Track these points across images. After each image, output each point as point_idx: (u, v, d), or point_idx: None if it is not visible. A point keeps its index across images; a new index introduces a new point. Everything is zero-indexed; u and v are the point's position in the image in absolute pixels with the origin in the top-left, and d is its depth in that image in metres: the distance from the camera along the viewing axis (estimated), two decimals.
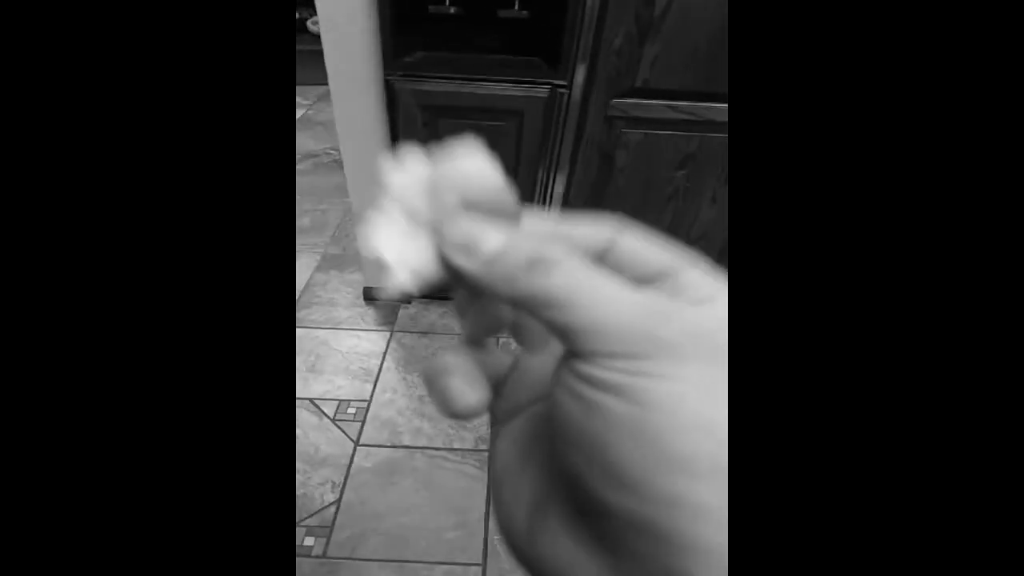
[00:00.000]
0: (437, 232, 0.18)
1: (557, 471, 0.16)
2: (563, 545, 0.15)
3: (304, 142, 2.89)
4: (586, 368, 0.14)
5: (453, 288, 0.19)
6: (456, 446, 1.37)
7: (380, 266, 0.18)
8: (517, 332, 0.20)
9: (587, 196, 1.43)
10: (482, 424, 1.44)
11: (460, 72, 1.24)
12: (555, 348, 0.18)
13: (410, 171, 0.18)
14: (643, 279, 0.16)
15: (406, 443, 1.36)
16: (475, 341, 0.20)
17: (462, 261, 0.17)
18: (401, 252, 0.18)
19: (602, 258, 0.17)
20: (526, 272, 0.15)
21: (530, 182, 1.40)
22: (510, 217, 0.18)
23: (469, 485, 1.30)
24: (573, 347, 0.14)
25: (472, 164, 0.18)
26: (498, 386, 0.20)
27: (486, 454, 1.38)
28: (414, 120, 1.35)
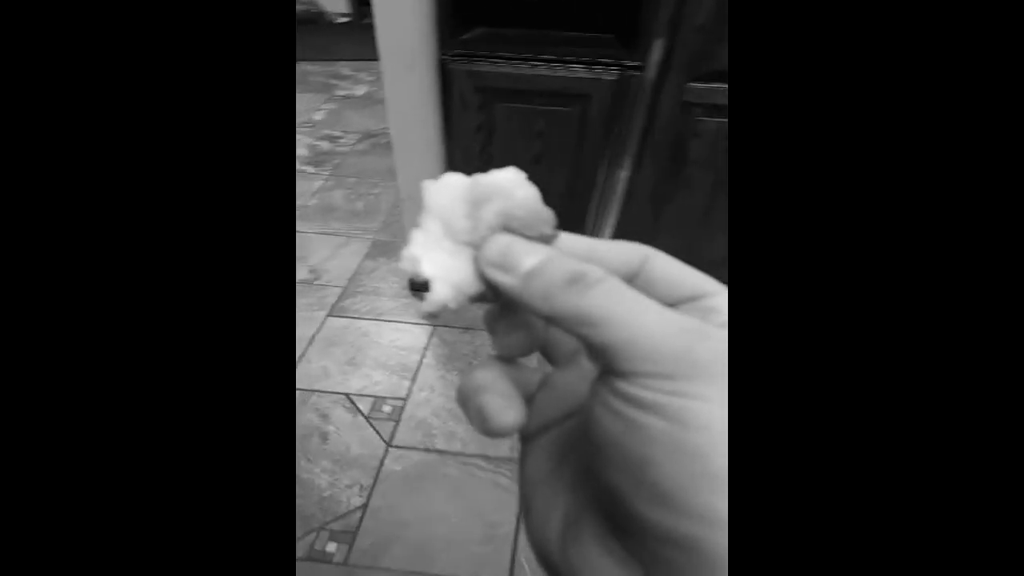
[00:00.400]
0: (475, 249, 0.18)
1: (593, 487, 0.17)
2: (596, 558, 0.16)
3: (363, 121, 2.86)
4: (625, 387, 0.14)
5: (490, 304, 0.19)
6: (490, 453, 1.28)
7: (391, 269, 0.20)
8: (547, 349, 0.21)
9: (653, 190, 1.28)
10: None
11: (522, 50, 1.13)
12: (584, 365, 0.20)
13: (450, 189, 0.19)
14: (673, 301, 0.17)
15: (439, 447, 1.28)
16: (507, 358, 0.20)
17: (500, 278, 0.17)
18: (440, 268, 0.18)
19: (633, 279, 0.18)
20: (565, 289, 0.15)
21: (591, 173, 1.27)
22: (547, 236, 0.18)
23: (501, 497, 1.20)
24: (611, 365, 0.14)
25: (511, 184, 0.18)
26: (528, 402, 0.20)
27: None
28: (469, 104, 1.24)
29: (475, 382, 0.18)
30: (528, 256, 0.17)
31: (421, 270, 0.18)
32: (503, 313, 0.19)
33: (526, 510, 0.19)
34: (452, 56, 1.15)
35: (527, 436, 0.20)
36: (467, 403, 0.18)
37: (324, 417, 1.30)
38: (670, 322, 0.14)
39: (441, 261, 0.18)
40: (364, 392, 1.38)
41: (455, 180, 0.19)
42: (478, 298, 0.19)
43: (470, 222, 0.18)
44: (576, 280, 0.15)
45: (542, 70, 1.13)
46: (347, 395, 1.37)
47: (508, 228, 0.18)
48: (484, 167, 0.19)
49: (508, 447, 1.30)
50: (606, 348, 0.14)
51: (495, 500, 1.20)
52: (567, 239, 0.19)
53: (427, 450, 1.27)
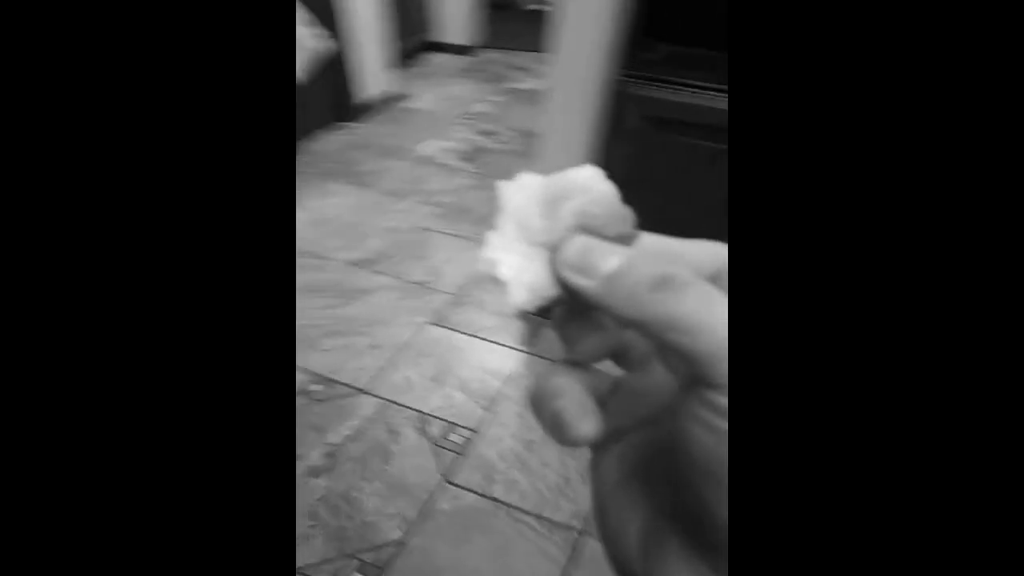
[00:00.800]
0: (552, 250, 0.18)
1: (678, 499, 0.16)
2: (680, 572, 0.16)
3: (526, 118, 2.81)
4: (718, 398, 0.14)
5: (571, 306, 0.18)
6: (547, 515, 1.14)
7: (498, 284, 0.18)
8: (619, 354, 0.20)
9: None
10: (584, 498, 1.17)
11: (706, 77, 0.94)
12: (658, 370, 0.19)
13: (527, 191, 0.19)
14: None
15: (496, 495, 1.18)
16: (580, 363, 0.19)
17: (579, 281, 0.17)
18: (517, 270, 0.18)
19: (716, 281, 0.16)
20: (651, 293, 0.15)
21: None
22: (625, 236, 0.18)
23: (547, 569, 1.07)
24: (702, 375, 0.14)
25: (588, 181, 0.18)
26: (600, 408, 0.19)
27: (576, 533, 1.13)
28: (632, 134, 1.09)
29: (551, 387, 0.18)
30: (609, 258, 0.16)
31: (498, 273, 0.18)
32: (577, 316, 0.18)
33: (601, 517, 0.19)
34: (627, 77, 1.01)
35: (598, 444, 0.20)
36: (542, 409, 0.18)
37: (393, 434, 1.29)
38: None
39: (518, 263, 0.18)
40: (438, 414, 1.34)
41: (531, 179, 0.19)
42: (556, 301, 0.18)
43: (546, 222, 0.18)
44: (664, 283, 0.15)
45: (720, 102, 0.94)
46: (421, 413, 1.34)
47: (585, 228, 0.18)
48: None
49: (570, 512, 1.15)
50: (698, 357, 0.14)
51: (540, 570, 1.06)
52: (647, 239, 0.18)
53: (482, 495, 1.18)
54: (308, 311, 1.60)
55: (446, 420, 1.33)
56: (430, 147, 2.53)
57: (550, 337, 0.20)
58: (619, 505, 0.18)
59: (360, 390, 1.39)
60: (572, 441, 0.17)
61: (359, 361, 1.46)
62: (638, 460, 0.18)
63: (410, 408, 1.35)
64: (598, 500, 0.19)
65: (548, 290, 0.18)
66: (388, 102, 2.87)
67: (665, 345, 0.15)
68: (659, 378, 0.18)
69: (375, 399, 1.37)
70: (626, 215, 0.18)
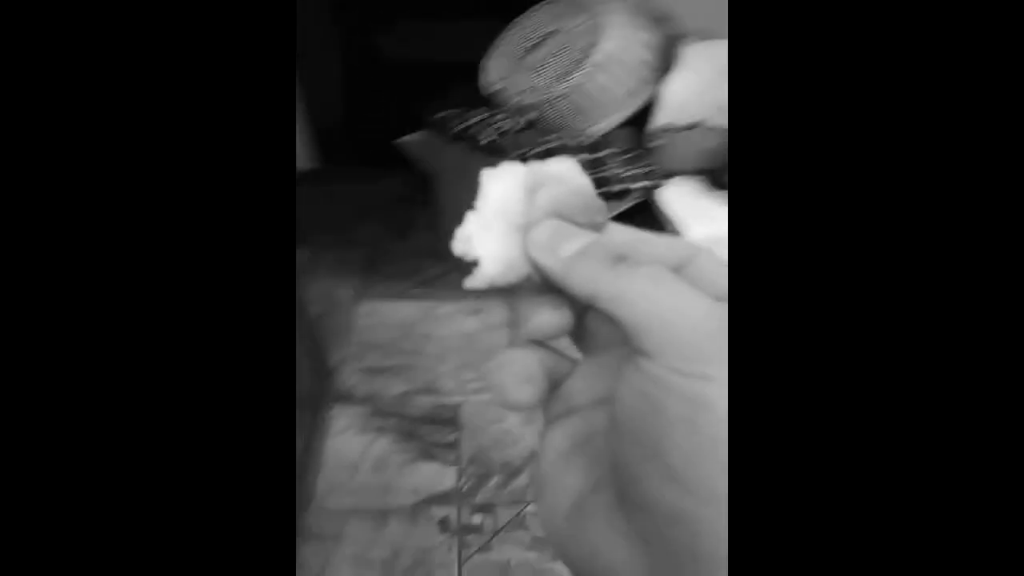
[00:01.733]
0: (526, 231, 0.19)
1: (610, 465, 0.17)
2: (603, 534, 0.17)
3: None
4: (650, 366, 0.15)
5: (536, 285, 0.20)
6: None
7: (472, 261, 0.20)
8: (579, 335, 0.21)
9: None
10: None
11: None
12: (616, 354, 0.19)
13: (508, 176, 0.20)
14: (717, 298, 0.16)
15: None
16: (535, 339, 0.20)
17: (545, 259, 0.18)
18: (491, 248, 0.19)
19: (679, 271, 0.18)
20: (605, 270, 0.16)
21: None
22: (597, 225, 0.19)
23: None
24: (640, 345, 0.15)
25: (567, 172, 0.20)
26: (557, 386, 0.21)
27: None
28: None
29: (502, 358, 0.20)
30: (575, 239, 0.18)
31: (472, 248, 0.19)
32: (539, 294, 0.19)
33: (539, 488, 0.19)
34: None
35: (550, 417, 0.21)
36: (491, 377, 0.20)
37: None
38: (700, 307, 0.15)
39: (492, 242, 0.19)
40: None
41: (513, 168, 0.20)
42: (527, 281, 0.19)
43: (524, 207, 0.19)
44: (619, 261, 0.16)
45: None
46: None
47: (559, 215, 0.19)
48: None
49: None
50: (638, 327, 0.15)
51: None
52: (616, 229, 0.20)
53: None
54: None
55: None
56: None
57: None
58: (558, 474, 0.19)
59: None
60: (511, 406, 0.19)
61: None
62: (585, 434, 0.19)
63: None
64: (540, 471, 0.20)
65: (520, 268, 0.19)
66: None
67: (614, 317, 0.16)
68: (617, 361, 0.19)
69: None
70: (600, 206, 0.19)
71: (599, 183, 1.38)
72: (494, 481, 1.22)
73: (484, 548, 1.11)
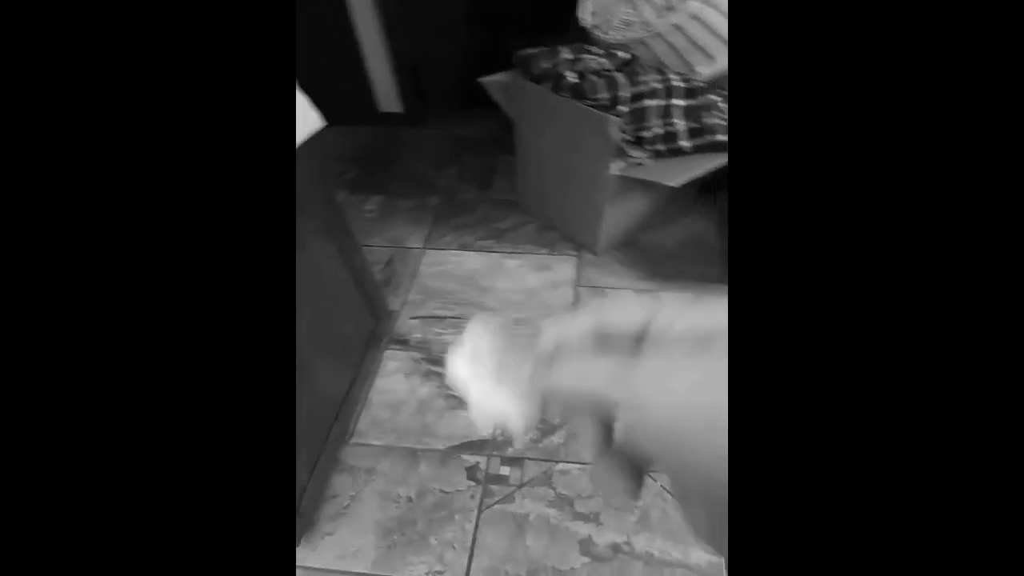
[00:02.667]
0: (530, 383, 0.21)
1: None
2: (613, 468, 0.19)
3: None
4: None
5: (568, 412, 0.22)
6: None
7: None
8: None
9: None
10: None
11: None
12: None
13: (485, 335, 0.22)
14: (698, 342, 0.17)
15: None
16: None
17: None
18: (484, 396, 0.21)
19: (638, 337, 0.18)
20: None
21: None
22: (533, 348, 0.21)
23: None
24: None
25: (482, 335, 0.22)
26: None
27: None
28: None
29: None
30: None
31: (466, 394, 0.21)
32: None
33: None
34: None
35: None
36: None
37: None
38: (598, 368, 0.18)
39: (478, 392, 0.21)
40: None
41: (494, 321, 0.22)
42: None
43: (517, 359, 0.21)
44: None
45: None
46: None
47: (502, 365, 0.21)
48: None
49: None
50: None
51: None
52: (553, 324, 0.21)
53: None
54: None
55: None
56: None
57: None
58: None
59: None
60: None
61: None
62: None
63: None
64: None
65: (529, 415, 0.21)
66: None
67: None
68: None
69: None
70: (517, 334, 0.21)
71: (692, 133, 1.22)
72: (529, 436, 1.17)
73: (506, 499, 1.07)
